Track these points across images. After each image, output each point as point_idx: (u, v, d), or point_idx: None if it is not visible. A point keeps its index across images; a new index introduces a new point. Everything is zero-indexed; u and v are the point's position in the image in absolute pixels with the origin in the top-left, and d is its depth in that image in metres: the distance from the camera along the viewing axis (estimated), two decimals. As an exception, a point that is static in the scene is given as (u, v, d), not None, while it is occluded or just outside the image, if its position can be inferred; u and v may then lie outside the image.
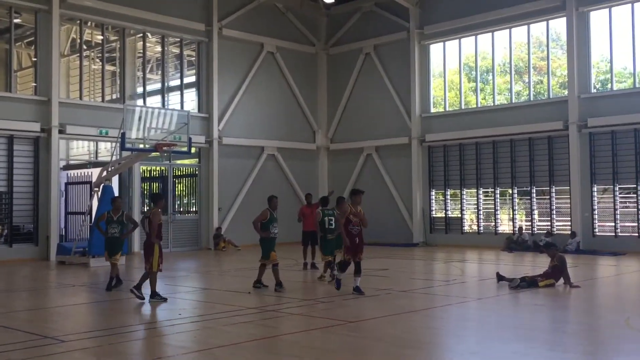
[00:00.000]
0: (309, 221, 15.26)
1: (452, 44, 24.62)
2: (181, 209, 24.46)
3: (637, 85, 20.47)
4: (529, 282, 12.16)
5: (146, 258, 11.04)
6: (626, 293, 12.20)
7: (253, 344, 7.84)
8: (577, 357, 7.20)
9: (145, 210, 11.78)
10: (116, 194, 19.24)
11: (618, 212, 20.37)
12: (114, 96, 23.44)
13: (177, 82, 24.21)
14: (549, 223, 21.82)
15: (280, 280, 12.07)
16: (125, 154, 18.82)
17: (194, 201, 24.27)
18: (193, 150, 21.64)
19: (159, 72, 23.89)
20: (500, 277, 12.79)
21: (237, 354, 7.39)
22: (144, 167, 22.99)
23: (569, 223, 21.14)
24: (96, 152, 23.15)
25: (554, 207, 21.78)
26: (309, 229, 15.19)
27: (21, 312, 10.58)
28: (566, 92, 21.58)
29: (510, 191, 22.78)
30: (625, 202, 20.61)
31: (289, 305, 10.82)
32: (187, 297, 12.25)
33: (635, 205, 20.09)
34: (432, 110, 24.91)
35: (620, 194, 20.52)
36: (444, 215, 24.35)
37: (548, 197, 21.92)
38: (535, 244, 20.25)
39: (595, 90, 21.31)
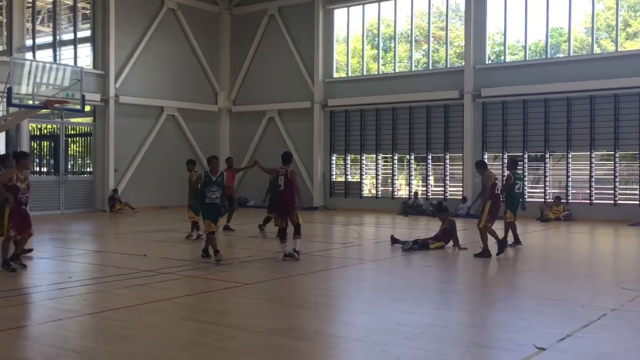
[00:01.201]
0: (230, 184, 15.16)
1: (356, 10, 24.79)
2: (75, 170, 23.50)
3: (527, 58, 21.50)
4: (420, 245, 12.69)
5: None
6: (507, 255, 12.96)
7: (147, 307, 7.74)
8: (459, 314, 7.63)
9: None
10: (2, 152, 18.23)
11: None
12: (0, 48, 21.94)
13: (70, 36, 22.98)
14: (443, 188, 22.73)
15: (217, 249, 11.01)
16: (12, 110, 17.78)
17: (88, 161, 23.37)
18: (87, 108, 20.77)
19: (51, 24, 22.56)
20: (394, 240, 13.25)
21: (129, 316, 7.27)
22: (34, 125, 21.84)
23: (461, 188, 22.12)
24: (-20, 107, 21.69)
25: (448, 173, 22.70)
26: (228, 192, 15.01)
27: None
28: (463, 62, 22.35)
29: (407, 157, 23.49)
30: (512, 170, 21.73)
31: (185, 268, 10.73)
32: (79, 260, 11.86)
33: (522, 172, 21.24)
34: (335, 75, 25.11)
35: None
36: (343, 180, 24.81)
37: (442, 163, 22.80)
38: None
39: (489, 62, 22.18)
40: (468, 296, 8.90)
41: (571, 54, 20.79)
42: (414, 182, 23.52)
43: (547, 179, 20.92)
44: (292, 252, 11.30)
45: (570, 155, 20.46)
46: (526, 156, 21.18)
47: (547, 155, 20.86)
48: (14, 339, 6.35)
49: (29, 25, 21.80)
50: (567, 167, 20.52)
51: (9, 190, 10.00)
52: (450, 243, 13.03)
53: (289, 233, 11.61)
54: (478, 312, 7.84)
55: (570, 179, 20.50)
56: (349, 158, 24.75)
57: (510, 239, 13.14)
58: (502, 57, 22.21)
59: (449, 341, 6.36)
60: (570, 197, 20.43)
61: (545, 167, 20.91)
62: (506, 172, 14.81)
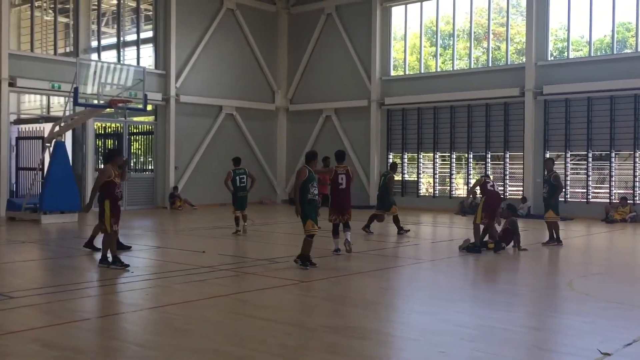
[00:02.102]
0: (322, 184, 15.62)
1: (413, 7, 24.55)
2: (137, 167, 24.12)
3: (592, 54, 20.82)
4: (480, 243, 12.41)
5: (99, 218, 10.43)
6: (571, 256, 12.61)
7: (205, 302, 7.87)
8: (520, 316, 7.44)
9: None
10: (69, 150, 18.91)
11: (569, 178, 20.91)
12: (67, 49, 22.72)
13: (133, 37, 23.61)
14: (502, 188, 22.24)
15: (308, 255, 10.27)
16: (78, 109, 18.39)
17: (150, 159, 23.95)
18: (149, 107, 21.27)
19: (115, 26, 23.23)
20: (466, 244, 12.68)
21: (188, 311, 7.40)
22: (98, 124, 22.51)
23: (521, 188, 21.62)
24: (48, 107, 22.53)
25: (508, 172, 22.22)
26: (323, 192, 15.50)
27: (-32, 268, 10.37)
28: (523, 58, 21.83)
29: (466, 156, 23.12)
30: (576, 169, 21.16)
31: (243, 265, 10.87)
32: (141, 256, 12.14)
33: (586, 172, 20.64)
34: (392, 73, 24.95)
35: (571, 160, 21.05)
36: (400, 179, 24.61)
37: (502, 162, 22.33)
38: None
39: (552, 58, 21.60)
40: (529, 298, 8.67)
41: (639, 50, 20.01)
42: (472, 181, 23.11)
43: (613, 178, 20.21)
44: (344, 243, 11.57)
45: (637, 154, 19.71)
46: (590, 155, 20.52)
47: (613, 155, 20.15)
48: (79, 331, 6.56)
49: (94, 27, 22.49)
50: (635, 166, 19.77)
51: (108, 186, 10.18)
52: (511, 244, 12.73)
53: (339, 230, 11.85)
54: (540, 314, 7.63)
55: (637, 179, 19.74)
56: (406, 157, 24.55)
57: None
58: (565, 54, 21.58)
59: (510, 344, 6.20)
60: (637, 198, 19.67)
61: (610, 166, 20.20)
62: (545, 173, 14.48)
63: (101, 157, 21.80)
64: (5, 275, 9.85)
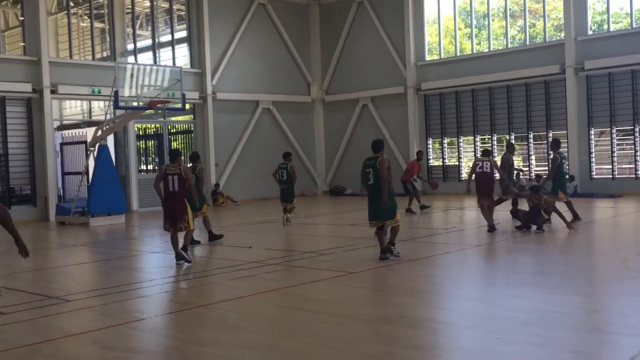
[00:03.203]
0: (409, 172, 17.64)
1: (446, -11, 24.19)
2: (178, 166, 24.38)
3: (634, 26, 20.22)
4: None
5: (181, 217, 10.40)
6: (624, 234, 12.31)
7: (257, 298, 7.91)
8: (579, 299, 7.28)
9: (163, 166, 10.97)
10: (112, 153, 19.22)
11: (615, 154, 20.40)
12: (105, 54, 23.11)
13: (167, 38, 23.85)
14: (546, 168, 21.81)
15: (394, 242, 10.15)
16: (119, 112, 18.68)
17: (190, 158, 24.19)
18: (187, 106, 21.45)
19: (149, 27, 23.51)
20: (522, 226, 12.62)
21: (241, 307, 7.46)
22: (139, 125, 22.85)
23: (567, 167, 21.13)
24: (90, 112, 22.97)
25: (551, 152, 21.72)
26: (404, 178, 17.53)
27: (23, 273, 10.56)
28: (562, 34, 21.33)
29: (507, 137, 22.74)
30: (622, 144, 20.62)
31: (290, 259, 10.90)
32: (189, 253, 12.28)
33: (633, 146, 20.11)
34: (427, 58, 24.66)
35: (617, 136, 20.52)
36: (441, 164, 24.37)
37: (545, 142, 21.89)
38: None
39: (591, 32, 21.05)
40: (583, 279, 8.48)
41: (683, 17, 19.37)
42: (515, 162, 22.69)
43: (662, 152, 19.64)
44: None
45: (686, 126, 19.10)
46: (637, 130, 19.96)
47: (661, 128, 19.57)
48: (136, 331, 6.66)
49: (129, 30, 22.79)
50: (684, 138, 19.17)
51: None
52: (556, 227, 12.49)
53: None
54: (596, 295, 7.47)
55: (687, 152, 19.15)
56: (445, 141, 24.28)
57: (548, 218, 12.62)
58: (605, 27, 21.00)
59: (569, 327, 6.08)
60: (688, 171, 19.10)
61: (658, 140, 19.62)
62: (552, 154, 14.13)
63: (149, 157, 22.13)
64: (59, 279, 10.10)
